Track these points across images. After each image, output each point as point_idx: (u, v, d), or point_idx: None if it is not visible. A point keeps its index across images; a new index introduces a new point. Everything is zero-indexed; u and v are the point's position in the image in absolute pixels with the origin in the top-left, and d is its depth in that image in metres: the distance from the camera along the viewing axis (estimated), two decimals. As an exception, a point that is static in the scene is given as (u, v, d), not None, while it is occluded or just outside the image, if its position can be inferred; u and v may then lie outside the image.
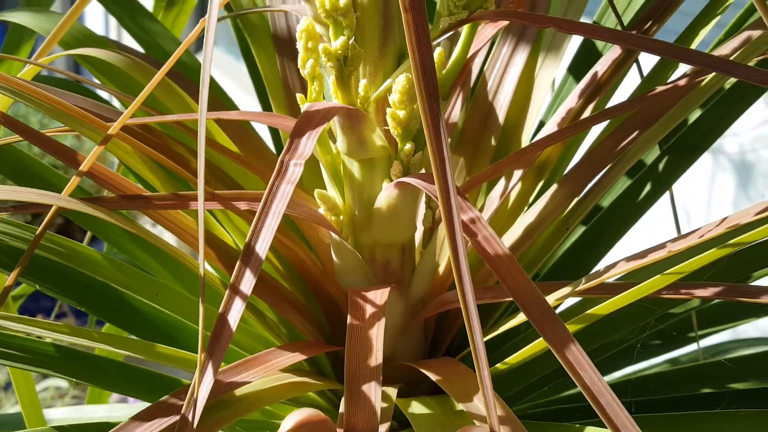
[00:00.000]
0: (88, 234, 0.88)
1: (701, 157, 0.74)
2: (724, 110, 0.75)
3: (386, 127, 0.60)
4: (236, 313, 0.47)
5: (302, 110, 0.56)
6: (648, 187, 0.73)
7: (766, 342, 1.01)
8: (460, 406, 0.56)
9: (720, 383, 0.74)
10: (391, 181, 0.62)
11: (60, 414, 0.90)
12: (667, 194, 0.76)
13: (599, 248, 0.76)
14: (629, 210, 0.74)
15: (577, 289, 0.56)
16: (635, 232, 0.78)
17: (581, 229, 0.77)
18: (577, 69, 0.80)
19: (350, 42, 0.56)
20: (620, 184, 0.77)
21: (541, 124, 0.77)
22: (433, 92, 0.46)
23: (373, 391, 0.51)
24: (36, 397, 0.81)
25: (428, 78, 0.46)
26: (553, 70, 0.71)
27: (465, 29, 0.62)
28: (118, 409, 0.94)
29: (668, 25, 0.70)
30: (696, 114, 0.76)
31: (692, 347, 0.83)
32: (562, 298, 0.57)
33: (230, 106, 0.79)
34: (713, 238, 0.51)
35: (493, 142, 0.70)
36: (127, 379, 0.68)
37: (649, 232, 1.04)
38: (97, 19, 4.83)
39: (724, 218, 0.52)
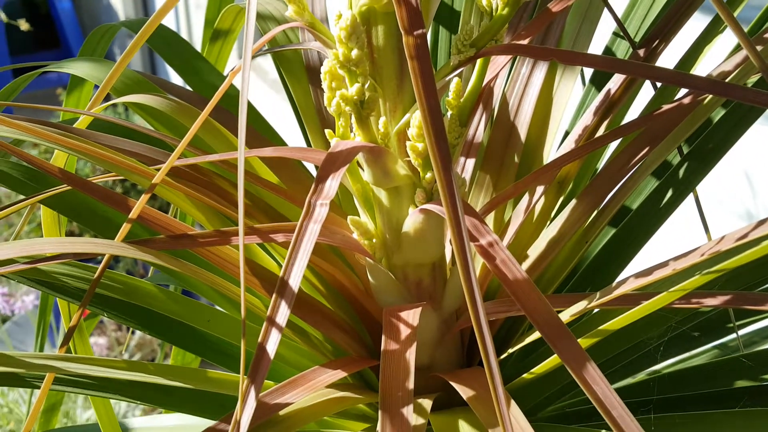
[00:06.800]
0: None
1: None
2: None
3: (408, 158, 0.65)
4: (273, 342, 0.52)
5: (328, 150, 0.61)
6: (671, 191, 0.75)
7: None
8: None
9: (753, 377, 0.76)
10: (417, 206, 0.66)
11: (137, 423, 0.96)
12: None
13: (629, 250, 0.79)
14: (655, 213, 0.76)
15: (592, 304, 0.60)
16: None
17: (611, 232, 0.80)
18: (599, 79, 0.83)
19: (365, 87, 0.60)
20: (647, 187, 0.80)
21: (566, 134, 0.80)
22: (440, 132, 0.50)
23: (406, 409, 0.56)
24: (111, 410, 0.87)
25: (435, 119, 0.50)
26: (570, 86, 0.74)
27: (479, 61, 0.65)
28: (191, 417, 0.99)
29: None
30: (720, 113, 0.78)
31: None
32: (577, 314, 0.60)
33: (271, 136, 0.84)
34: (711, 257, 0.54)
35: (516, 159, 0.74)
36: (192, 399, 0.74)
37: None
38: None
39: (723, 236, 0.55)
